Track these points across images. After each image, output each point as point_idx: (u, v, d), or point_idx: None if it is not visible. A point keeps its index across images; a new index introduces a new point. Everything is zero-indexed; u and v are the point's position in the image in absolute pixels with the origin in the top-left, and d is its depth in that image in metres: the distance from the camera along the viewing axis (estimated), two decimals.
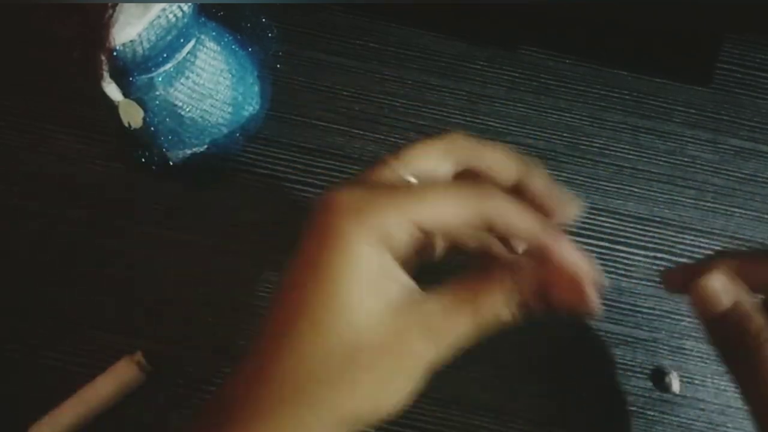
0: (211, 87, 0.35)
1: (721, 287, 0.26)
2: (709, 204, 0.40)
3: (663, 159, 0.41)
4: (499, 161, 0.25)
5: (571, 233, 0.39)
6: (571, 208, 0.26)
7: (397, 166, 0.24)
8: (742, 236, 0.39)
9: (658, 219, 0.40)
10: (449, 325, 0.23)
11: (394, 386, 0.23)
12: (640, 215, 0.40)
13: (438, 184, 0.24)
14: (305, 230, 0.23)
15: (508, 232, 0.24)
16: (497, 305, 0.23)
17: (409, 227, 0.23)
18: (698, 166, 0.41)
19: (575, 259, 0.24)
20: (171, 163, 0.38)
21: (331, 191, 0.23)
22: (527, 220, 0.24)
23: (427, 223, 0.23)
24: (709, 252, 0.39)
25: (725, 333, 0.26)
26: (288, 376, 0.22)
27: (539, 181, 0.25)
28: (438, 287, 0.24)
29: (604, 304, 0.38)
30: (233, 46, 0.37)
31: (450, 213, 0.23)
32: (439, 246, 0.27)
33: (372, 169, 0.25)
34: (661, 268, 0.39)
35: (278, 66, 0.41)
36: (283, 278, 0.24)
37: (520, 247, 0.26)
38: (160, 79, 0.33)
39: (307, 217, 0.24)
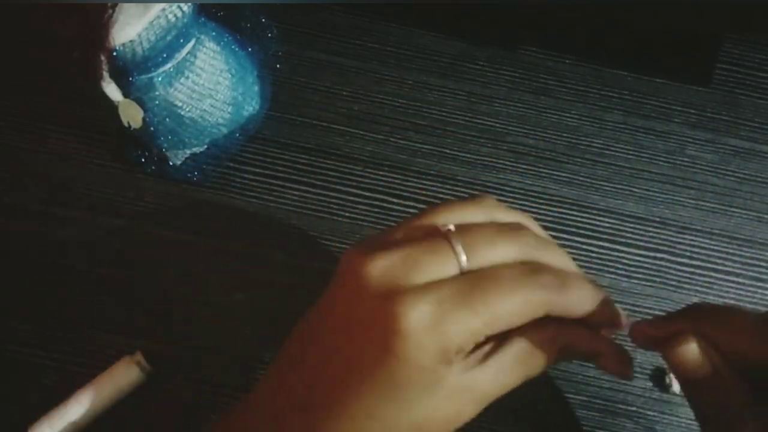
0: (210, 87, 0.35)
1: (701, 354, 0.25)
2: (708, 204, 0.40)
3: (663, 159, 0.41)
4: (580, 302, 0.24)
5: (572, 233, 0.39)
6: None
7: (462, 258, 0.23)
8: (741, 236, 0.39)
9: (657, 219, 0.40)
10: (499, 390, 0.24)
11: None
12: (640, 215, 0.40)
13: (501, 279, 0.22)
14: (353, 314, 0.23)
15: (571, 316, 0.24)
16: (545, 364, 0.24)
17: (480, 338, 0.23)
18: (698, 166, 0.41)
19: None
20: (171, 163, 0.38)
21: (389, 288, 0.22)
22: (588, 306, 0.24)
23: (497, 330, 0.23)
24: (709, 253, 0.39)
25: (703, 396, 0.25)
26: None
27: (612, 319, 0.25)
28: (490, 346, 0.24)
29: None
30: (233, 46, 0.37)
31: (519, 316, 0.23)
32: None
33: (429, 248, 0.23)
34: (663, 270, 0.39)
35: (278, 66, 0.41)
36: (330, 366, 0.23)
37: None
38: (159, 79, 0.33)
39: (349, 293, 0.23)
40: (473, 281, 0.22)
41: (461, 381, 0.23)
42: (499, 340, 0.24)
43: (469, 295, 0.22)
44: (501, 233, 0.24)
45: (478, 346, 0.23)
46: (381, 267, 0.22)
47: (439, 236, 0.23)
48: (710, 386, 0.25)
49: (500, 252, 0.23)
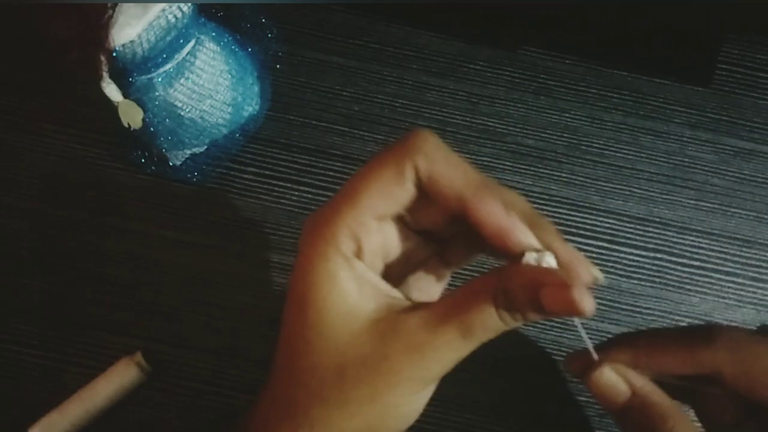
0: (210, 87, 0.35)
1: (614, 379, 0.25)
2: (708, 204, 0.40)
3: (663, 159, 0.41)
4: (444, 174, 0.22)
5: (572, 233, 0.39)
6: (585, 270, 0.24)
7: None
8: (741, 237, 0.39)
9: (657, 219, 0.40)
10: (434, 340, 0.21)
11: (385, 405, 0.22)
12: (640, 215, 0.40)
13: (370, 164, 0.23)
14: None
15: (434, 191, 0.22)
16: (484, 315, 0.22)
17: (367, 222, 0.22)
18: (698, 166, 0.41)
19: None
20: (171, 164, 0.38)
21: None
22: (454, 175, 0.22)
23: (381, 209, 0.22)
24: (709, 253, 0.39)
25: (632, 421, 0.25)
26: (286, 397, 0.23)
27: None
28: (427, 301, 0.23)
29: (605, 305, 0.38)
30: (233, 47, 0.37)
31: (392, 186, 0.22)
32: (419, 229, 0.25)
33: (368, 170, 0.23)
34: (663, 270, 0.39)
35: (278, 66, 0.41)
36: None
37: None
38: (159, 79, 0.33)
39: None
40: None
41: (381, 314, 0.22)
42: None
43: (345, 187, 0.23)
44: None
45: None
46: (307, 220, 0.24)
47: None
48: (635, 409, 0.24)
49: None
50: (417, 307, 0.22)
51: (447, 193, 0.22)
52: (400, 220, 0.24)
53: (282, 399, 0.23)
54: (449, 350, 0.22)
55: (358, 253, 0.22)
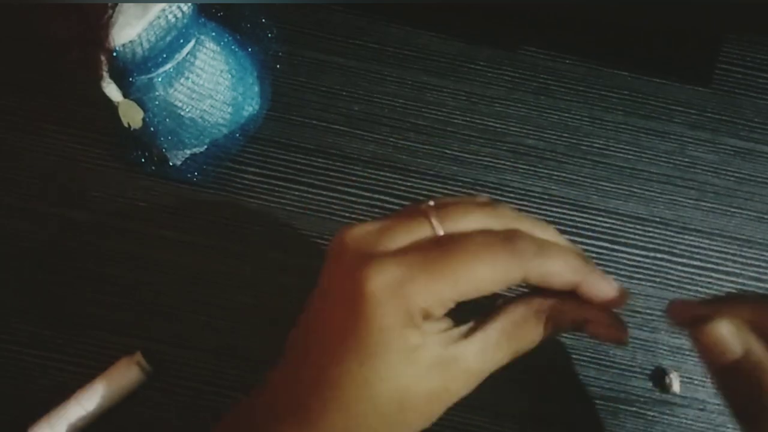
0: (210, 87, 0.35)
1: (731, 334, 0.23)
2: (709, 204, 0.40)
3: (663, 159, 0.41)
4: (560, 270, 0.24)
5: (572, 234, 0.39)
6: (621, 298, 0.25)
7: (436, 225, 0.23)
8: (742, 237, 0.39)
9: (658, 219, 0.40)
10: (488, 368, 0.24)
11: (435, 417, 0.24)
12: (640, 215, 0.40)
13: (470, 244, 0.22)
14: (331, 283, 0.24)
15: (546, 286, 0.24)
16: (533, 340, 0.24)
17: (449, 303, 0.23)
18: (698, 166, 0.41)
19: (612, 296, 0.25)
20: (171, 164, 0.38)
21: (362, 254, 0.22)
22: (565, 274, 0.24)
23: (469, 294, 0.23)
24: (709, 253, 0.39)
25: (736, 384, 0.24)
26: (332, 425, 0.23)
27: (599, 288, 0.25)
28: (475, 321, 0.24)
29: None
30: (233, 47, 0.37)
31: (490, 283, 0.22)
32: None
33: (406, 219, 0.23)
34: (663, 270, 0.39)
35: (278, 66, 0.41)
36: (309, 335, 0.24)
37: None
38: (159, 79, 0.33)
39: (332, 265, 0.24)
40: (443, 246, 0.22)
41: (444, 353, 0.23)
42: (487, 314, 0.24)
43: (437, 259, 0.22)
44: (478, 205, 0.24)
45: (463, 322, 0.24)
46: (357, 235, 0.23)
47: (418, 211, 0.24)
48: (744, 371, 0.23)
49: (475, 220, 0.23)
50: (473, 331, 0.24)
51: (559, 284, 0.24)
52: None
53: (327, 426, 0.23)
54: (498, 367, 0.24)
55: (438, 311, 0.23)
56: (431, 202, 0.24)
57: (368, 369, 0.22)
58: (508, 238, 0.23)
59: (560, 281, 0.23)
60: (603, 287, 0.24)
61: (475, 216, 0.23)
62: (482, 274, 0.22)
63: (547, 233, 0.25)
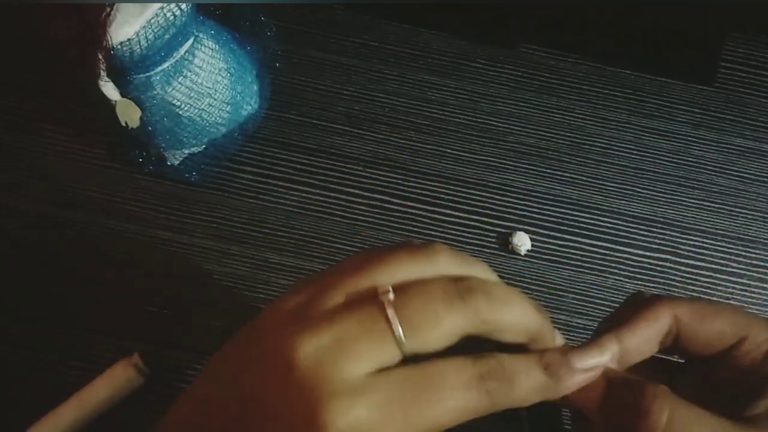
0: (209, 86, 0.35)
1: (584, 373, 0.23)
2: (713, 204, 0.39)
3: (667, 159, 0.40)
4: (517, 323, 0.22)
5: (574, 234, 0.39)
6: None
7: (393, 319, 0.20)
8: (746, 237, 0.39)
9: (661, 219, 0.39)
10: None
11: None
12: (644, 215, 0.39)
13: (447, 387, 0.20)
14: (283, 403, 0.20)
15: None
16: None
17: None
18: (702, 166, 0.40)
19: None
20: (169, 163, 0.38)
21: (323, 384, 0.19)
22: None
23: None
24: (713, 253, 0.39)
25: (616, 411, 0.23)
26: None
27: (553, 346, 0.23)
28: None
29: (608, 306, 0.38)
30: (232, 45, 0.37)
31: (461, 417, 0.20)
32: None
33: (365, 333, 0.20)
34: (667, 270, 0.38)
35: (277, 65, 0.41)
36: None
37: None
38: (157, 78, 0.33)
39: (282, 379, 0.20)
40: (412, 386, 0.19)
41: None
42: None
43: (409, 403, 0.19)
44: (447, 302, 0.20)
45: None
46: (311, 350, 0.19)
47: (376, 308, 0.20)
48: (618, 397, 0.23)
49: (445, 329, 0.20)
50: None
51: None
52: None
53: None
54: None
55: None
56: (390, 294, 0.20)
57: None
58: (483, 376, 0.21)
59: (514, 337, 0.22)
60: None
61: (445, 322, 0.20)
62: (453, 415, 0.20)
63: (522, 314, 0.22)
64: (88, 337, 0.36)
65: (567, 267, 0.38)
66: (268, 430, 0.20)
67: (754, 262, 0.39)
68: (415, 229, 0.38)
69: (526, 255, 0.38)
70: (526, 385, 0.22)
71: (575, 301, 0.38)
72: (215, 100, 0.36)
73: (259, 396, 0.20)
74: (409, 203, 0.39)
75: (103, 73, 0.31)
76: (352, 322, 0.20)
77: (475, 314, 0.21)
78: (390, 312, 0.20)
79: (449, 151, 0.40)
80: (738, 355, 0.24)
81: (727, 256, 0.39)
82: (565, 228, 0.39)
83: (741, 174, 0.40)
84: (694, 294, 0.38)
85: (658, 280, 0.38)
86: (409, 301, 0.20)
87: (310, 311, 0.20)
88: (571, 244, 0.39)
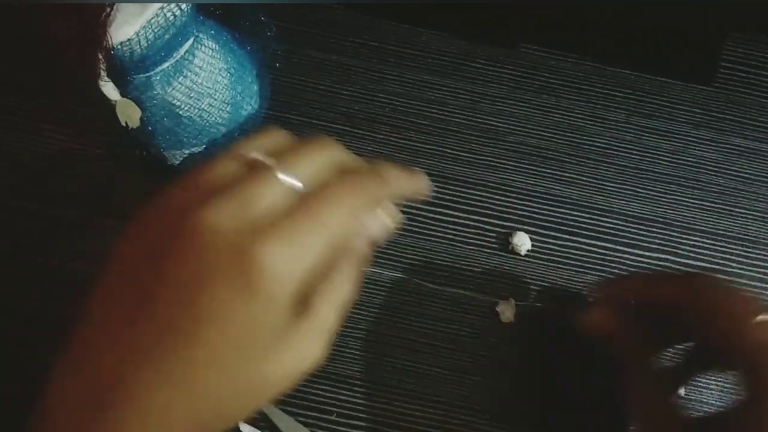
0: (209, 86, 0.35)
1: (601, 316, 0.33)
2: (712, 204, 0.40)
3: (666, 159, 0.40)
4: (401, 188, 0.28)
5: (574, 234, 0.39)
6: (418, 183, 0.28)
7: (288, 180, 0.24)
8: (746, 237, 0.39)
9: (661, 219, 0.39)
10: (321, 334, 0.25)
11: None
12: (644, 215, 0.39)
13: (334, 197, 0.24)
14: (209, 268, 0.22)
15: None
16: (349, 280, 0.25)
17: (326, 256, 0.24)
18: (702, 166, 0.40)
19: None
20: (169, 164, 0.38)
21: (240, 237, 0.22)
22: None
23: (342, 243, 0.25)
24: (713, 253, 0.39)
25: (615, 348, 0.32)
26: (188, 422, 0.23)
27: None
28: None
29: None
30: (232, 45, 0.37)
31: (358, 222, 0.25)
32: None
33: (256, 183, 0.24)
34: (667, 269, 0.38)
35: (277, 65, 0.41)
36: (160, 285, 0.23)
37: None
38: (157, 78, 0.33)
39: (204, 250, 0.22)
40: (307, 203, 0.24)
41: (310, 324, 0.24)
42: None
43: (309, 216, 0.23)
44: (309, 147, 0.26)
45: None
46: (224, 216, 0.22)
47: (262, 168, 0.24)
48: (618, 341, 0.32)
49: (315, 162, 0.25)
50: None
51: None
52: None
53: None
54: (327, 332, 0.25)
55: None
56: (257, 155, 0.25)
57: (244, 353, 0.22)
58: (354, 184, 0.25)
59: (399, 195, 0.27)
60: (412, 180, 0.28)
61: (316, 158, 0.25)
62: (345, 219, 0.24)
63: (355, 159, 0.27)
64: None
65: (567, 267, 0.38)
66: (206, 288, 0.22)
67: (754, 261, 0.39)
68: (415, 228, 0.39)
69: (526, 255, 0.38)
70: (389, 176, 0.27)
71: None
72: (215, 100, 0.36)
73: (185, 267, 0.22)
74: (409, 203, 0.39)
75: (103, 73, 0.31)
76: (249, 182, 0.23)
77: (334, 151, 0.26)
78: (269, 164, 0.24)
79: (449, 151, 0.40)
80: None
81: (727, 256, 0.39)
82: (565, 228, 0.39)
83: (741, 174, 0.40)
84: None
85: None
86: (281, 154, 0.25)
87: (204, 189, 0.24)
88: (571, 244, 0.39)
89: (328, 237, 0.23)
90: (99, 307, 0.24)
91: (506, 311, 0.37)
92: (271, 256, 0.22)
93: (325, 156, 0.25)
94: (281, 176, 0.24)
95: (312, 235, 0.23)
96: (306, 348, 0.24)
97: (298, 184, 0.24)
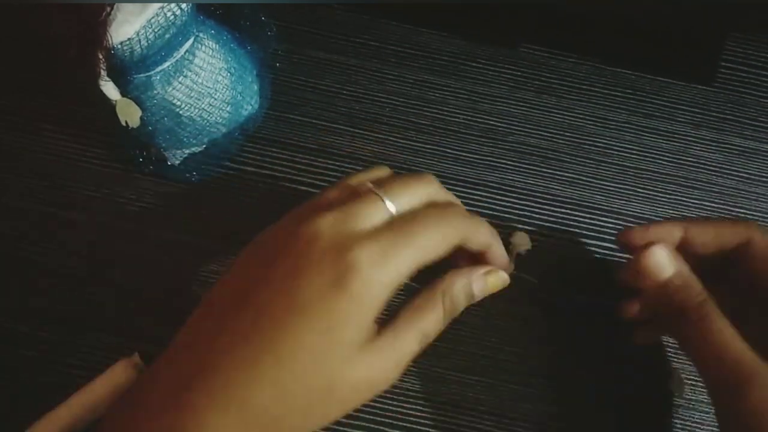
0: (209, 86, 0.35)
1: (665, 257, 0.30)
2: (713, 204, 0.40)
3: (667, 159, 0.40)
4: (483, 232, 0.29)
5: (575, 234, 0.39)
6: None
7: (390, 205, 0.27)
8: None
9: (661, 219, 0.39)
10: (399, 356, 0.26)
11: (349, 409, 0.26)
12: (644, 215, 0.39)
13: (423, 218, 0.27)
14: (308, 264, 0.25)
15: (475, 247, 0.29)
16: (437, 316, 0.27)
17: (413, 271, 0.26)
18: (702, 166, 0.40)
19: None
20: (169, 164, 0.38)
21: (340, 239, 0.25)
22: (488, 237, 0.30)
23: (426, 261, 0.26)
24: None
25: (668, 300, 0.30)
26: (264, 407, 0.24)
27: (501, 253, 0.30)
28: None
29: (610, 306, 0.37)
30: (232, 45, 0.37)
31: (442, 247, 0.27)
32: None
33: (362, 203, 0.27)
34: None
35: (277, 64, 0.41)
36: (276, 296, 0.25)
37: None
38: (158, 78, 0.33)
39: (306, 250, 0.25)
40: (404, 223, 0.26)
41: (391, 344, 0.26)
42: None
43: (404, 233, 0.26)
44: (410, 179, 0.29)
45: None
46: (328, 223, 0.25)
47: (366, 191, 0.27)
48: (673, 288, 0.30)
49: (416, 194, 0.28)
50: (384, 325, 0.26)
51: (477, 245, 0.29)
52: None
53: (252, 408, 0.24)
54: (405, 355, 0.26)
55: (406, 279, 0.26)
56: (369, 183, 0.28)
57: (329, 337, 0.24)
58: (446, 211, 0.28)
59: (481, 242, 0.29)
60: (503, 253, 0.30)
61: (414, 189, 0.28)
62: (436, 240, 0.26)
63: (458, 201, 0.31)
64: (87, 336, 0.36)
65: (567, 267, 0.38)
66: (303, 281, 0.25)
67: None
68: None
69: (526, 255, 0.38)
70: (477, 218, 0.30)
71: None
72: (215, 99, 0.36)
73: (287, 265, 0.25)
74: None
75: (103, 73, 0.31)
76: (353, 201, 0.27)
77: (432, 186, 0.29)
78: (373, 189, 0.27)
79: (449, 151, 0.40)
80: (749, 259, 0.31)
81: None
82: (565, 228, 0.39)
83: (741, 174, 0.40)
84: None
85: None
86: (383, 182, 0.28)
87: (315, 209, 0.27)
88: (571, 244, 0.39)
89: (418, 256, 0.26)
90: (213, 297, 0.27)
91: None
92: (365, 260, 0.24)
93: (422, 189, 0.28)
94: (382, 198, 0.27)
95: (406, 248, 0.25)
96: (381, 366, 0.25)
97: (394, 208, 0.27)
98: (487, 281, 0.29)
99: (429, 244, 0.26)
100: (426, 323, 0.27)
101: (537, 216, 0.39)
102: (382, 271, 0.25)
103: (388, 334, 0.26)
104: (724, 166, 0.40)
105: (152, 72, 0.32)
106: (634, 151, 0.40)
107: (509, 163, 0.40)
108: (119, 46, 0.30)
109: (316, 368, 0.24)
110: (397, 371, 0.26)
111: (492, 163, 0.40)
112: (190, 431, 0.23)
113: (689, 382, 0.36)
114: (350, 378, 0.24)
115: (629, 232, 0.32)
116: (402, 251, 0.25)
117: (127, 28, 0.30)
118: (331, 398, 0.25)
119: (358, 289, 0.24)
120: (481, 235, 0.29)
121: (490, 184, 0.39)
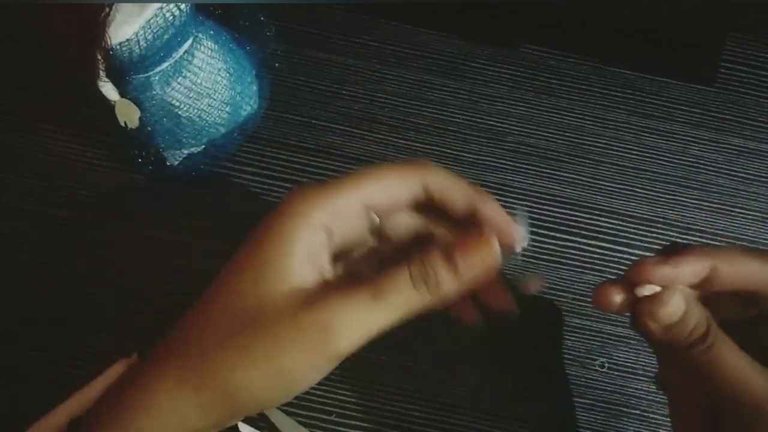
0: (208, 86, 0.35)
1: (680, 309, 0.25)
2: (712, 204, 0.40)
3: (666, 159, 0.40)
4: (461, 187, 0.26)
5: (574, 234, 0.39)
6: (520, 233, 0.27)
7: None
8: (745, 237, 0.39)
9: (661, 220, 0.39)
10: (351, 319, 0.23)
11: (280, 368, 0.23)
12: (643, 216, 0.39)
13: (382, 165, 0.26)
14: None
15: (445, 200, 0.26)
16: (402, 291, 0.24)
17: (359, 206, 0.25)
18: (702, 166, 0.40)
19: (503, 218, 0.26)
20: (168, 164, 0.38)
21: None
22: (462, 187, 0.26)
23: (376, 200, 0.25)
24: None
25: (674, 339, 0.25)
26: (185, 335, 0.25)
27: (491, 206, 0.27)
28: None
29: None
30: (231, 45, 0.37)
31: (397, 187, 0.25)
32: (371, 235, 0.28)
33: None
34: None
35: (276, 65, 0.41)
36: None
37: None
38: (156, 78, 0.33)
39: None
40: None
41: (317, 292, 0.24)
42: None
43: (351, 174, 0.25)
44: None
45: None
46: (301, 188, 0.25)
47: None
48: (682, 329, 0.25)
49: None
50: (345, 288, 0.24)
51: (458, 200, 0.26)
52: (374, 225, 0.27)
53: (181, 337, 0.26)
54: (367, 327, 0.23)
55: (329, 232, 0.25)
56: None
57: (251, 267, 0.25)
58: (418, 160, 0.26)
59: (459, 196, 0.26)
60: (499, 212, 0.26)
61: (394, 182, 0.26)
62: (386, 179, 0.25)
63: None
64: (87, 336, 0.36)
65: (566, 267, 0.38)
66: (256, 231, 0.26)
67: None
68: None
69: (525, 255, 0.38)
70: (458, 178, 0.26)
71: (575, 301, 0.38)
72: (215, 100, 0.36)
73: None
74: None
75: (102, 73, 0.31)
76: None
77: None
78: None
79: (448, 151, 0.40)
80: None
81: None
82: (565, 228, 0.39)
83: (741, 174, 0.40)
84: None
85: None
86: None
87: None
88: (571, 244, 0.39)
89: (364, 193, 0.25)
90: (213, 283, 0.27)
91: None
92: (297, 198, 0.25)
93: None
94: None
95: (347, 185, 0.25)
96: (305, 358, 0.23)
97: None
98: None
99: (376, 183, 0.25)
100: (371, 323, 0.24)
101: (537, 216, 0.39)
102: (314, 201, 0.24)
103: (323, 331, 0.23)
104: (723, 166, 0.40)
105: (151, 72, 0.32)
106: (634, 151, 0.40)
107: (508, 163, 0.40)
108: (118, 47, 0.30)
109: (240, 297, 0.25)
110: (324, 372, 0.24)
111: (491, 163, 0.40)
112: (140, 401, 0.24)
113: None
114: (268, 315, 0.24)
115: (645, 267, 0.26)
116: (340, 184, 0.25)
117: (126, 29, 0.30)
118: (250, 333, 0.24)
119: (288, 218, 0.24)
120: (460, 188, 0.26)
121: (490, 184, 0.39)
